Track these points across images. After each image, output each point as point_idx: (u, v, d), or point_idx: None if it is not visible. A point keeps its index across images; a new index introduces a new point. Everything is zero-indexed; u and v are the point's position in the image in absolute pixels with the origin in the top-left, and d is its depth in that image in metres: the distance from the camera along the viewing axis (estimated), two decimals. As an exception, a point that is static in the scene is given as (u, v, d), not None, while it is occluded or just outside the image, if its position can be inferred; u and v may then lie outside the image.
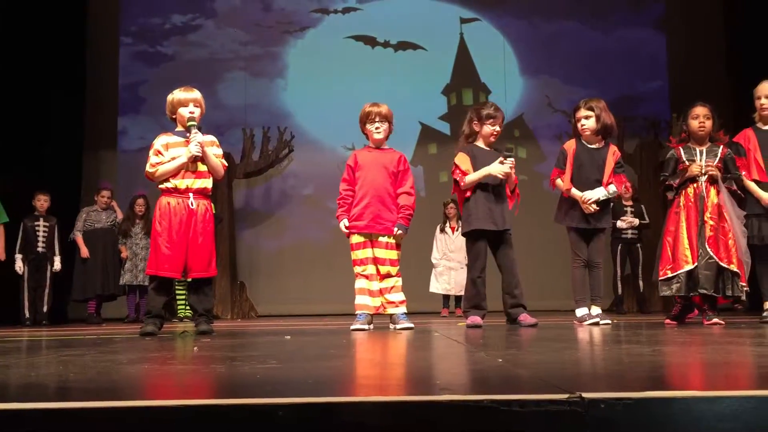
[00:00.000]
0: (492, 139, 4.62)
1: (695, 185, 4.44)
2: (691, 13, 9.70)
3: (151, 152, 4.04)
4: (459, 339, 3.28)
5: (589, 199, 4.59)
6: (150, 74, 10.12)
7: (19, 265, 7.25)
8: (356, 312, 4.37)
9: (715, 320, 4.28)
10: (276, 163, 9.64)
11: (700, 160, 4.48)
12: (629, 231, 7.74)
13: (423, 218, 9.10)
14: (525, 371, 1.79)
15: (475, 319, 4.43)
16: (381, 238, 4.42)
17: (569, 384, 1.44)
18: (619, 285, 7.80)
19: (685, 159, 4.52)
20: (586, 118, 4.65)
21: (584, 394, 1.25)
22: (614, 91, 9.44)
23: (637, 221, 7.70)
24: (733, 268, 4.27)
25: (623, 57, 9.77)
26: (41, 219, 7.39)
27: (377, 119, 4.63)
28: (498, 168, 4.44)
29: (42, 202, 7.38)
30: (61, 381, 1.67)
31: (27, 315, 7.17)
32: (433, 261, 8.08)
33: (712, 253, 4.27)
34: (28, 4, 8.52)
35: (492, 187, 4.53)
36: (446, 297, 8.02)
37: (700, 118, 4.52)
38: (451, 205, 8.10)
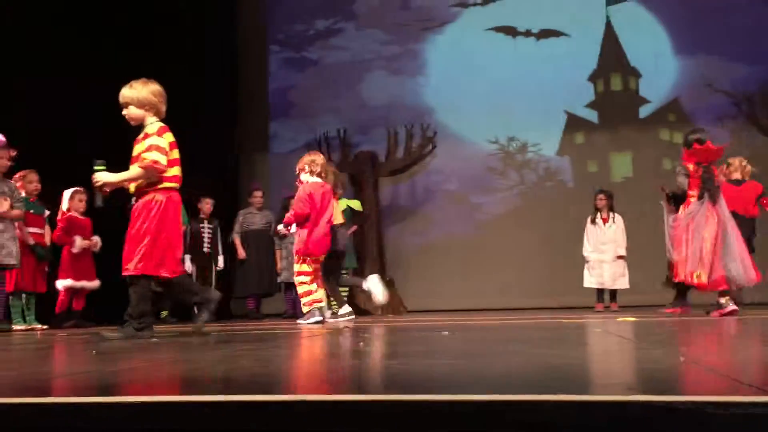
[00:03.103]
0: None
1: None
2: None
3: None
4: (626, 335, 3.14)
5: None
6: (297, 79, 10.54)
7: (188, 265, 7.77)
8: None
9: None
10: (419, 160, 9.70)
11: None
12: None
13: (571, 210, 8.86)
14: (713, 371, 1.66)
15: None
16: None
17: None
18: None
19: None
20: None
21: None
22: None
23: None
24: None
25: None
26: (206, 221, 7.88)
27: None
28: None
29: (207, 205, 7.86)
30: (254, 374, 1.75)
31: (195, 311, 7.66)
32: (585, 254, 7.79)
33: None
34: (183, 16, 9.11)
35: None
36: (600, 291, 7.71)
37: None
38: (601, 195, 7.76)
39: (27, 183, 6.13)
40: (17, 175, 6.02)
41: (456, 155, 9.87)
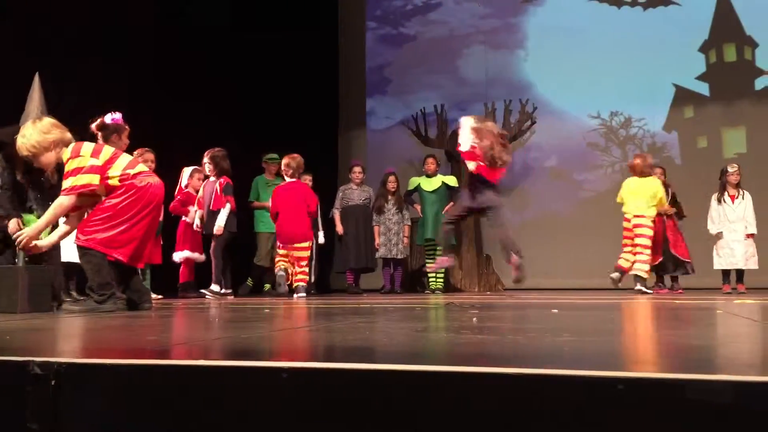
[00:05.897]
0: None
1: None
2: None
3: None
4: (745, 316, 3.00)
5: None
6: (394, 55, 10.54)
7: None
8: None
9: None
10: (519, 136, 9.53)
11: None
12: None
13: (681, 189, 8.48)
14: None
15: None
16: None
17: None
18: None
19: None
20: None
21: None
22: None
23: None
24: None
25: None
26: (306, 197, 8.04)
27: None
28: None
29: (307, 182, 8.01)
30: (380, 345, 1.79)
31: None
32: (713, 234, 7.32)
33: None
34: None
35: None
36: (726, 272, 7.28)
37: None
38: (736, 170, 7.22)
39: (143, 161, 6.45)
40: (135, 153, 6.33)
41: (556, 131, 9.65)
